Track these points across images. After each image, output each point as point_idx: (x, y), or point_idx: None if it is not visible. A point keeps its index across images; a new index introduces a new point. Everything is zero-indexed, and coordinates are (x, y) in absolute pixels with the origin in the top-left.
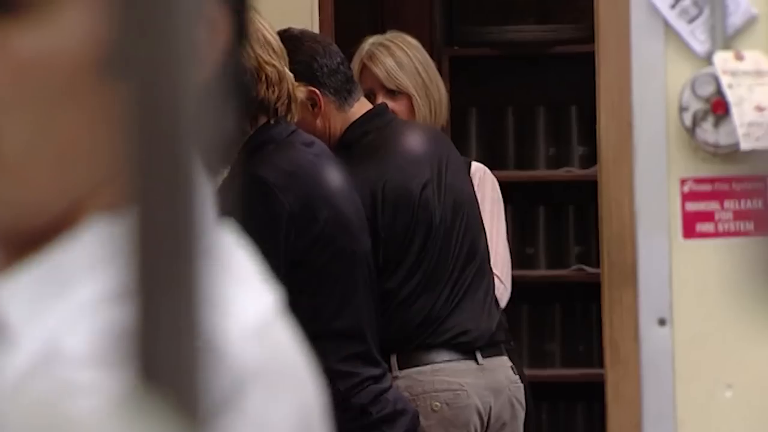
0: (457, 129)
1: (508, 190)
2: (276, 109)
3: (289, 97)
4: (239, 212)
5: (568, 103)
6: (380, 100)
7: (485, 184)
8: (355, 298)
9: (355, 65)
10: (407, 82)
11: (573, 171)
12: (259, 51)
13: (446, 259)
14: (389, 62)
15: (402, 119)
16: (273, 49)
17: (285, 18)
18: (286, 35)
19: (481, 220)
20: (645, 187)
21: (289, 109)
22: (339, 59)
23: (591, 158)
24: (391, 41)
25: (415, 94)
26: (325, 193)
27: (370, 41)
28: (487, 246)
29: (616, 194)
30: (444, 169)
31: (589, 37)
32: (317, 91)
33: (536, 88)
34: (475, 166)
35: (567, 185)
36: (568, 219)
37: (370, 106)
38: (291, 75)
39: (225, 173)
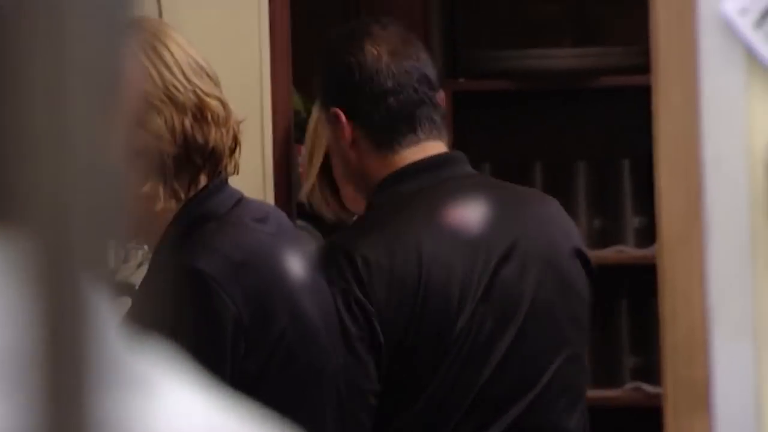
0: None
1: None
2: (220, 163)
3: (234, 141)
4: (168, 317)
5: (617, 156)
6: None
7: None
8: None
9: None
10: None
11: (625, 251)
12: (196, 80)
13: (468, 386)
14: None
15: (477, 175)
16: (209, 75)
17: (225, 38)
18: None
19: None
20: (722, 275)
21: (233, 159)
22: (392, 83)
23: (649, 234)
24: None
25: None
26: (286, 290)
27: None
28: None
29: (682, 285)
30: (502, 259)
31: (645, 65)
32: (342, 116)
33: (573, 134)
34: None
35: (617, 270)
36: (620, 318)
37: (435, 151)
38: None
39: (148, 265)
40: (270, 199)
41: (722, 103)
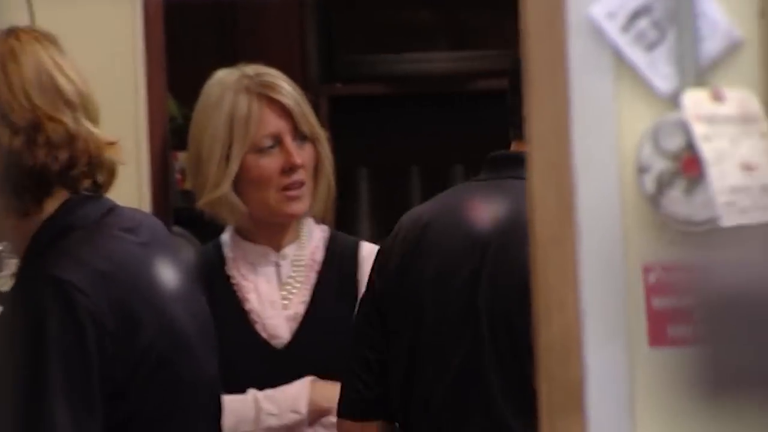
0: (340, 196)
1: None
2: (73, 180)
3: (90, 162)
4: (30, 327)
5: None
6: (291, 148)
7: None
8: None
9: (243, 104)
10: (315, 123)
11: None
12: (39, 102)
13: None
14: (295, 94)
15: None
16: (65, 98)
17: (100, 44)
18: None
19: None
20: (595, 277)
21: (92, 178)
22: None
23: None
24: (268, 69)
25: (324, 139)
26: (155, 300)
27: (236, 74)
28: None
29: (555, 287)
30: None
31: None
32: None
33: (450, 138)
34: (367, 248)
35: None
36: None
37: None
38: (96, 132)
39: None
40: (146, 206)
41: (592, 106)
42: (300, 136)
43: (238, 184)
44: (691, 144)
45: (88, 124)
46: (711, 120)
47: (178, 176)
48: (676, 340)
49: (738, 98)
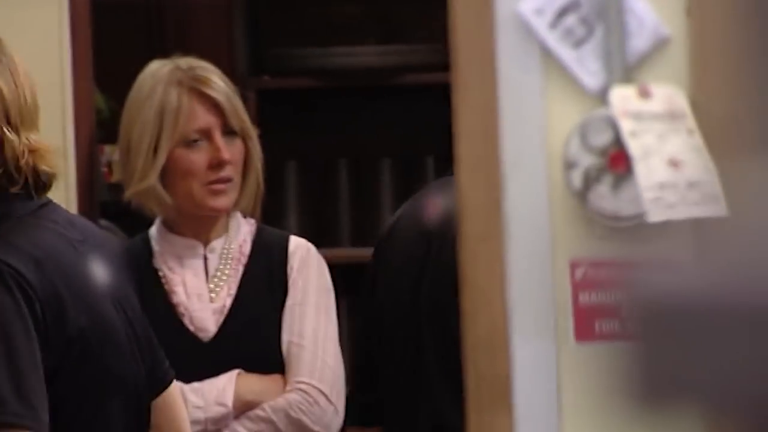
0: (268, 190)
1: (341, 275)
2: (11, 176)
3: (17, 165)
4: None
5: (421, 152)
6: (219, 143)
7: (308, 268)
8: None
9: (173, 97)
10: (246, 118)
11: None
12: None
13: None
14: (226, 89)
15: None
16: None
17: (27, 37)
18: None
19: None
20: (522, 273)
21: (11, 180)
22: None
23: None
24: (202, 63)
25: (254, 135)
26: (86, 294)
27: (169, 65)
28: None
29: (482, 282)
30: None
31: (448, 63)
32: None
33: (378, 131)
34: (295, 242)
35: None
36: None
37: None
38: (24, 139)
39: None
40: (72, 199)
41: (521, 102)
42: (229, 131)
43: (165, 177)
44: (618, 140)
45: (11, 130)
46: (638, 116)
47: (104, 169)
48: (602, 335)
49: (665, 95)
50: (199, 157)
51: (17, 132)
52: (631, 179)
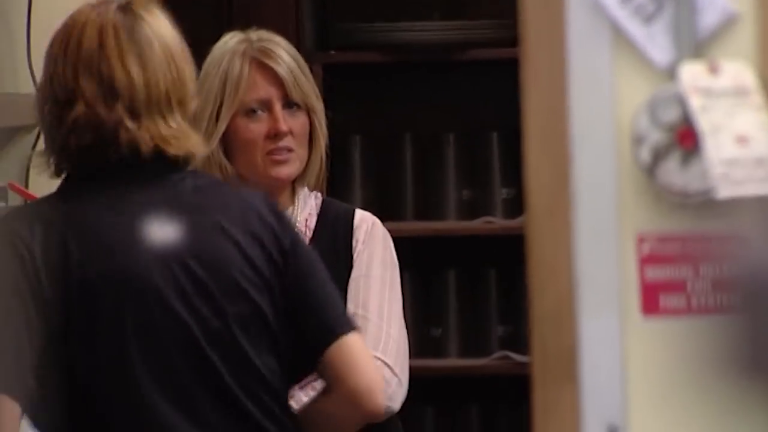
0: (334, 164)
1: (405, 248)
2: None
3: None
4: None
5: (486, 128)
6: (278, 114)
7: (374, 241)
8: None
9: (236, 67)
10: (310, 91)
11: (494, 222)
12: (83, 82)
13: None
14: (291, 63)
15: None
16: (111, 86)
17: None
18: None
19: None
20: (589, 247)
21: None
22: None
23: (517, 205)
24: (273, 37)
25: (318, 109)
26: (105, 253)
27: (240, 37)
28: None
29: (549, 256)
30: None
31: (513, 38)
32: None
33: (443, 106)
34: (360, 215)
35: (486, 241)
36: (488, 289)
37: None
38: (135, 126)
39: None
40: None
41: (589, 78)
42: (292, 104)
43: (228, 147)
44: (687, 116)
45: (128, 114)
46: (707, 92)
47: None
48: (668, 310)
49: (733, 71)
50: (258, 127)
51: (138, 119)
52: (699, 155)
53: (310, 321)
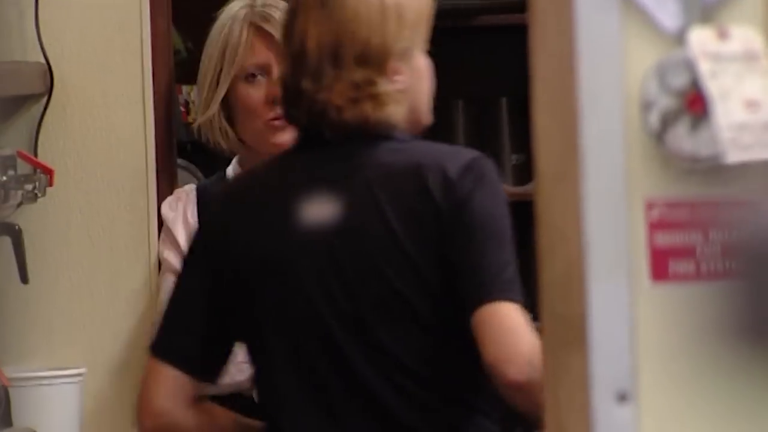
0: None
1: None
2: None
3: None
4: None
5: (494, 93)
6: (275, 79)
7: None
8: None
9: (236, 31)
10: None
11: (503, 188)
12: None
13: None
14: None
15: None
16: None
17: None
18: None
19: None
20: (598, 213)
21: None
22: None
23: (527, 171)
24: (277, 1)
25: None
26: (258, 232)
27: (245, 2)
28: None
29: (558, 222)
30: None
31: (523, 5)
32: None
33: (451, 73)
34: None
35: None
36: None
37: None
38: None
39: None
40: (150, 138)
41: (598, 43)
42: None
43: (231, 113)
44: (696, 81)
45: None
46: (716, 58)
47: (182, 109)
48: (677, 275)
49: (742, 36)
50: (256, 92)
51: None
52: (708, 121)
53: (463, 285)
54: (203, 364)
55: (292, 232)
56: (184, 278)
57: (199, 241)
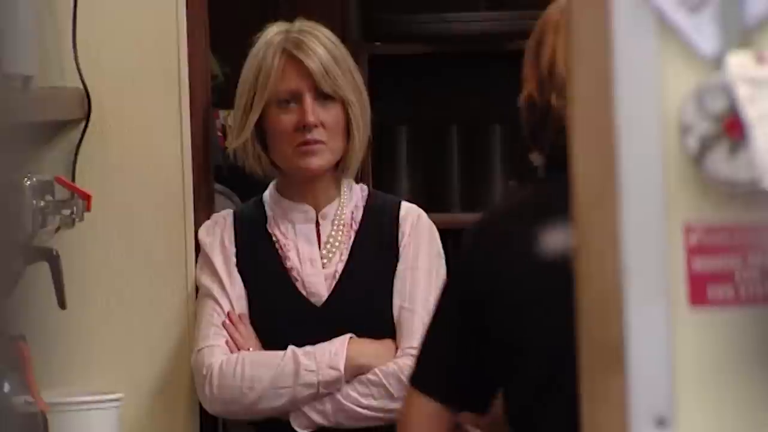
0: (380, 155)
1: (452, 240)
2: None
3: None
4: None
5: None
6: (307, 106)
7: (419, 234)
8: None
9: (269, 58)
10: (345, 84)
11: None
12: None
13: None
14: (325, 55)
15: None
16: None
17: (143, 11)
18: None
19: None
20: (636, 237)
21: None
22: None
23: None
24: (313, 28)
25: (354, 101)
26: (502, 262)
27: (280, 28)
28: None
29: (596, 246)
30: None
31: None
32: None
33: (489, 97)
34: (406, 207)
35: None
36: None
37: None
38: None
39: None
40: (187, 163)
41: (635, 68)
42: (323, 95)
43: (265, 138)
44: (734, 106)
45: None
46: (755, 82)
47: (219, 134)
48: (716, 300)
49: None
50: (288, 118)
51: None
52: (746, 145)
53: None
54: (461, 395)
55: (546, 262)
56: (440, 309)
57: (457, 272)
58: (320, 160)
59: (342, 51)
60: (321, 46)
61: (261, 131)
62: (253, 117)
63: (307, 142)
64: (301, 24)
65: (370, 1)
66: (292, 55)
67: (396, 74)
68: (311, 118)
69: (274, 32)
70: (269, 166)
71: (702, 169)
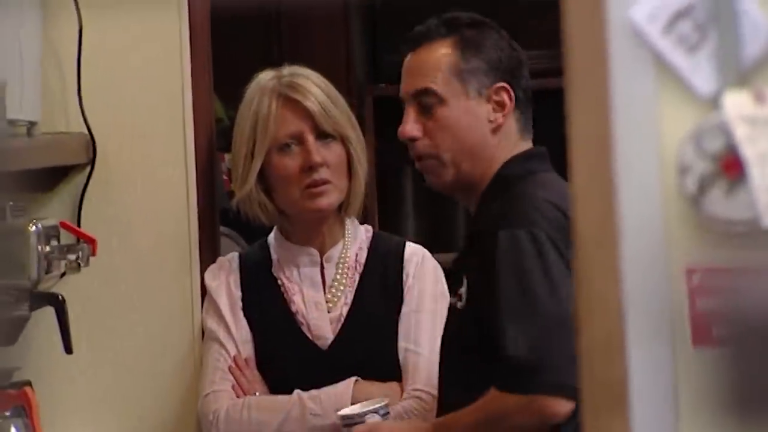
0: (385, 195)
1: None
2: None
3: None
4: None
5: None
6: (311, 147)
7: (424, 275)
8: None
9: (265, 104)
10: (343, 121)
11: None
12: None
13: None
14: (321, 95)
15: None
16: None
17: (147, 46)
18: None
19: None
20: (637, 277)
21: None
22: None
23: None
24: (303, 71)
25: (354, 137)
26: None
27: (270, 74)
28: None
29: (598, 286)
30: None
31: (560, 68)
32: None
33: None
34: (411, 248)
35: None
36: None
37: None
38: None
39: None
40: (193, 206)
41: (634, 108)
42: (324, 135)
43: (268, 184)
44: (732, 145)
45: None
46: (752, 121)
47: (224, 177)
48: (720, 341)
49: None
50: (292, 161)
51: None
52: (745, 184)
53: None
54: None
55: None
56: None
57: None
58: (329, 198)
59: (334, 90)
60: (315, 86)
61: (263, 178)
62: (256, 165)
63: (315, 183)
64: (290, 68)
65: (374, 42)
66: (288, 98)
67: (401, 115)
68: (317, 158)
69: (265, 79)
70: (274, 213)
71: (700, 209)
